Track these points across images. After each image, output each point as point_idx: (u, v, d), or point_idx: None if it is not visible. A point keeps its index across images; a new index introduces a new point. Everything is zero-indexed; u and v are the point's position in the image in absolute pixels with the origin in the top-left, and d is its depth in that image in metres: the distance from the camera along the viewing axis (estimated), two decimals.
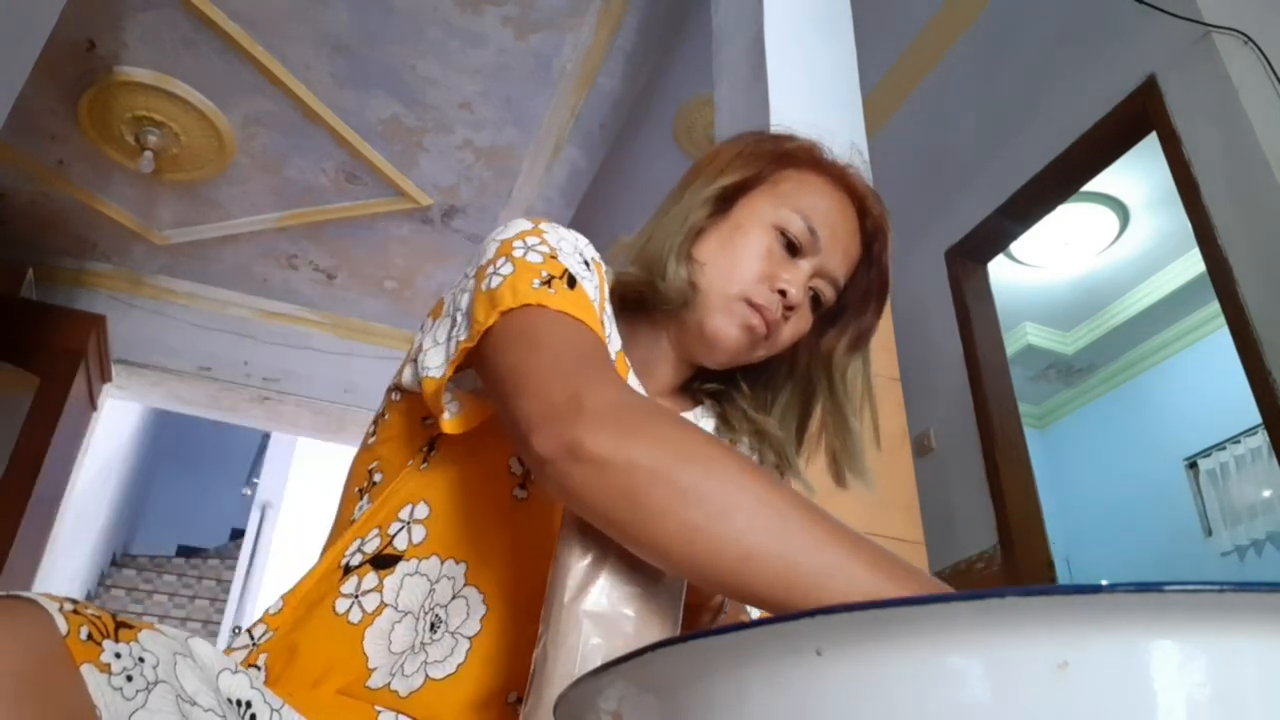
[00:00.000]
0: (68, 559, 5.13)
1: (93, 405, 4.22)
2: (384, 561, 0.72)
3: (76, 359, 3.84)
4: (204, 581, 7.51)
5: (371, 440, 0.83)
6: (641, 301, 0.86)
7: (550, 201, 3.96)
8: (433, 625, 0.71)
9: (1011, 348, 4.41)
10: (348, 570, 0.73)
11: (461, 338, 0.68)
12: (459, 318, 0.71)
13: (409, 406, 0.79)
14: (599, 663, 0.50)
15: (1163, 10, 2.09)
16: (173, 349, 4.38)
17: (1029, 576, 2.32)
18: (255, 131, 3.62)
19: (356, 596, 0.71)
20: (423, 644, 0.70)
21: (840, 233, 0.87)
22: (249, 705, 0.60)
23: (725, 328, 0.83)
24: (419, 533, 0.74)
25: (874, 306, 0.92)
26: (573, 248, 0.76)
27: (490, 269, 0.71)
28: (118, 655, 0.50)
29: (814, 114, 1.82)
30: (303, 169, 3.81)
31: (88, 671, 0.49)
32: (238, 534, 8.54)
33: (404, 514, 0.74)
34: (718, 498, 0.53)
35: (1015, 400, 2.66)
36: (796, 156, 0.90)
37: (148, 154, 3.53)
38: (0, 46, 2.00)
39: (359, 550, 0.74)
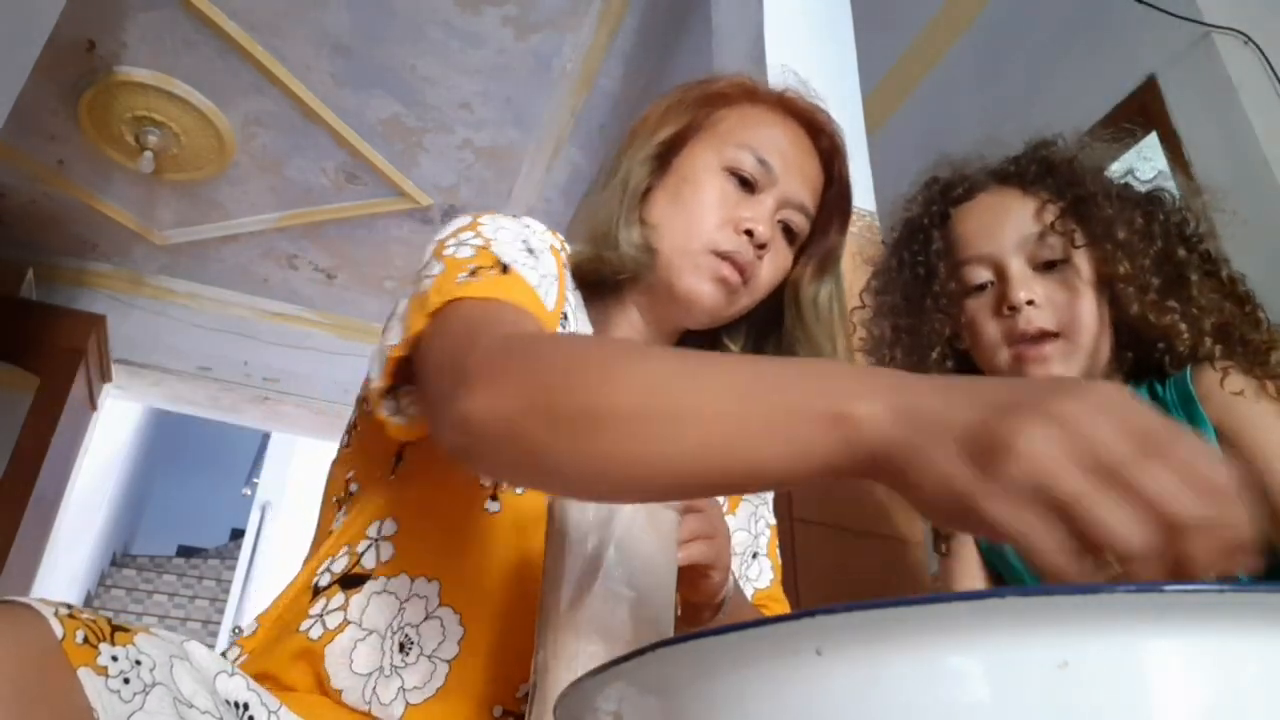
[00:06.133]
0: (68, 559, 5.13)
1: (93, 405, 4.22)
2: (351, 581, 0.70)
3: (76, 359, 3.84)
4: (204, 581, 7.51)
5: (346, 449, 0.80)
6: (602, 280, 0.81)
7: (550, 202, 3.96)
8: (402, 646, 0.68)
9: None
10: (316, 591, 0.71)
11: (393, 343, 0.65)
12: (395, 324, 0.67)
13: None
14: None
15: (1163, 10, 2.08)
16: (173, 349, 4.38)
17: None
18: (255, 131, 3.62)
19: (321, 616, 0.69)
20: (394, 667, 0.67)
21: (794, 157, 0.82)
22: (246, 707, 0.60)
23: (697, 285, 0.78)
24: (387, 550, 0.71)
25: (838, 224, 0.88)
26: (514, 236, 0.71)
27: (424, 272, 0.68)
28: (114, 658, 0.50)
29: None
30: (303, 169, 3.81)
31: (85, 675, 0.48)
32: (238, 534, 8.55)
33: (372, 531, 0.72)
34: (620, 405, 0.45)
35: None
36: (729, 94, 0.85)
37: (148, 154, 3.53)
38: (0, 46, 2.00)
39: (328, 570, 0.72)
